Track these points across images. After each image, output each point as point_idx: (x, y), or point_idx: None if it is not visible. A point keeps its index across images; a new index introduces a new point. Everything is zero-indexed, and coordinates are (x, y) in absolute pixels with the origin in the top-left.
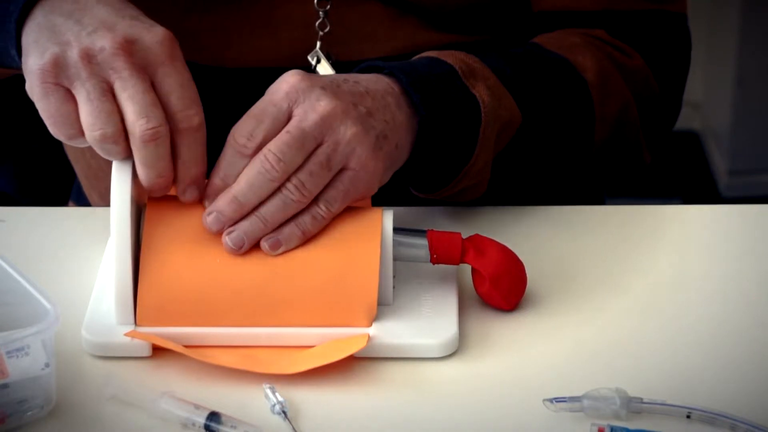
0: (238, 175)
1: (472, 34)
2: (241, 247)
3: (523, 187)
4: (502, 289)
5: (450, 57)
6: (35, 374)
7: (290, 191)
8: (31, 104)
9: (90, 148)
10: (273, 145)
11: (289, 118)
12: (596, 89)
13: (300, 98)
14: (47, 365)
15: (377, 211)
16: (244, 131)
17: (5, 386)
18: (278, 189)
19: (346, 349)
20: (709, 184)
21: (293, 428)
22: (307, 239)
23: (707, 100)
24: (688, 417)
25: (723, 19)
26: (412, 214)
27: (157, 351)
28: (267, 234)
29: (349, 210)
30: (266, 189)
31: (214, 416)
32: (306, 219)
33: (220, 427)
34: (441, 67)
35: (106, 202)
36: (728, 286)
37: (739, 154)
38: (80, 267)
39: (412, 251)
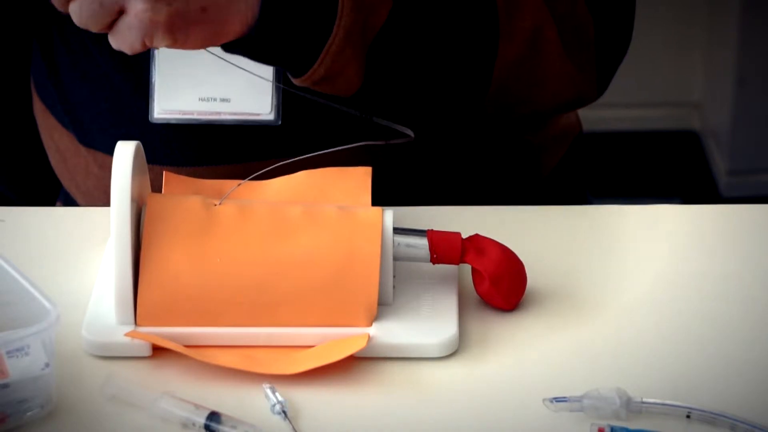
0: None
1: None
2: None
3: (416, 88)
4: (502, 289)
5: None
6: (35, 374)
7: (73, 13)
8: (20, 107)
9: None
10: None
11: None
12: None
13: None
14: (47, 365)
15: (377, 211)
16: None
17: (5, 386)
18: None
19: (346, 349)
20: (709, 184)
21: (293, 428)
22: (307, 239)
23: (707, 100)
24: (688, 417)
25: (723, 19)
26: (412, 214)
27: (157, 351)
28: None
29: (349, 210)
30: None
31: (214, 416)
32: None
33: (220, 427)
34: None
35: (84, 194)
36: (728, 286)
37: (739, 154)
38: (80, 267)
39: (412, 251)
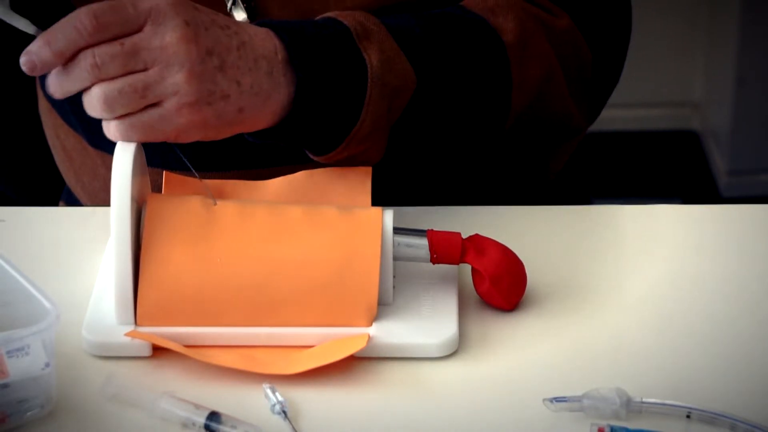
0: (64, 42)
1: None
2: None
3: (434, 151)
4: (502, 289)
5: (348, 18)
6: (35, 374)
7: (93, 97)
8: (22, 104)
9: (65, 134)
10: (100, 50)
11: (137, 31)
12: (515, 52)
13: (158, 19)
14: (47, 365)
15: (377, 211)
16: (93, 10)
17: (5, 386)
18: (88, 88)
19: (346, 349)
20: (709, 184)
21: (293, 428)
22: (307, 239)
23: (707, 100)
24: (688, 417)
25: (723, 19)
26: (412, 214)
27: (157, 351)
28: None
29: (349, 210)
30: (83, 85)
31: (214, 416)
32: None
33: (220, 427)
34: (334, 28)
35: (90, 195)
36: (728, 286)
37: (739, 154)
38: (80, 267)
39: (412, 251)
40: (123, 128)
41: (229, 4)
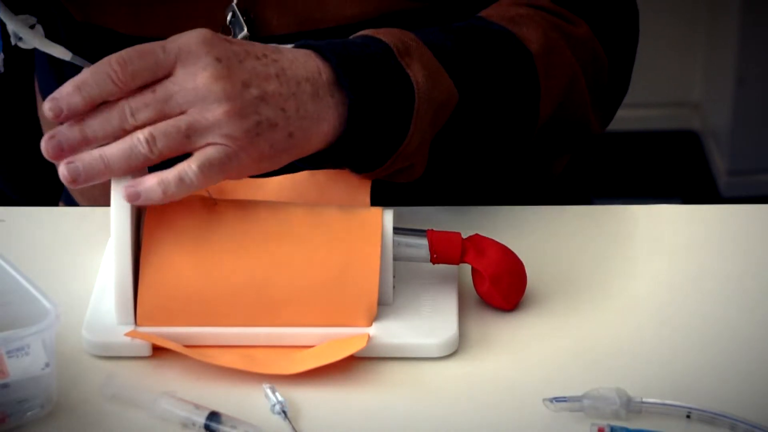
0: (97, 90)
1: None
2: (75, 181)
3: (467, 164)
4: (502, 289)
5: (386, 35)
6: (35, 374)
7: (139, 141)
8: (23, 106)
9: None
10: (134, 100)
11: (169, 74)
12: (541, 61)
13: (188, 60)
14: (47, 365)
15: (377, 211)
16: (122, 56)
17: (5, 386)
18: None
19: (346, 349)
20: (709, 184)
21: (293, 428)
22: (307, 239)
23: (707, 100)
24: (688, 417)
25: (723, 19)
26: (412, 214)
27: (157, 351)
28: (105, 175)
29: (349, 210)
30: (116, 134)
31: (214, 416)
32: (170, 178)
33: (220, 427)
34: (376, 46)
35: (89, 199)
36: (728, 286)
37: (739, 154)
38: (80, 267)
39: (412, 251)
40: (198, 168)
41: (228, 17)
